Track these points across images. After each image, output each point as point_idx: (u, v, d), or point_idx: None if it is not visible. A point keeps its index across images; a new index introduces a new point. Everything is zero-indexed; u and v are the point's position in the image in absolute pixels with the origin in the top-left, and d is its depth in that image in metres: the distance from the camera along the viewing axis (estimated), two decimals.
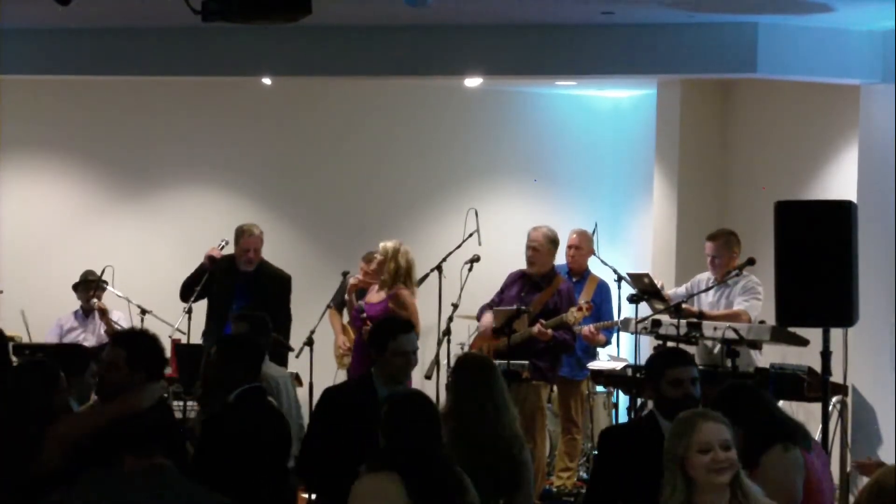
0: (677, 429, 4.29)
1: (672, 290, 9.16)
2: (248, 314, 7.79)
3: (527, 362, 8.68)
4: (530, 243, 9.13)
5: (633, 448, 5.41)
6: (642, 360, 9.28)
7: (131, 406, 5.10)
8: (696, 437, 4.23)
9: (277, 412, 6.12)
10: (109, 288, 10.03)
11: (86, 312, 10.11)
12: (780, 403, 8.71)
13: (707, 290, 8.85)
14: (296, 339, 9.12)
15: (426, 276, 9.50)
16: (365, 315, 8.69)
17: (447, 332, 9.09)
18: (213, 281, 9.47)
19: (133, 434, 4.62)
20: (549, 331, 8.78)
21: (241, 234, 9.45)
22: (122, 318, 10.09)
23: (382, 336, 6.22)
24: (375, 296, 8.84)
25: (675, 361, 5.60)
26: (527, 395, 8.82)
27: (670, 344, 8.50)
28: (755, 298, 8.65)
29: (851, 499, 8.15)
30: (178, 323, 9.52)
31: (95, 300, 10.00)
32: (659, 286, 8.90)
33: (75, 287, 10.12)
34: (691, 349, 8.60)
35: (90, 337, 10.04)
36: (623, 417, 9.97)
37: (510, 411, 5.92)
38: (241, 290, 9.38)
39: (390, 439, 4.75)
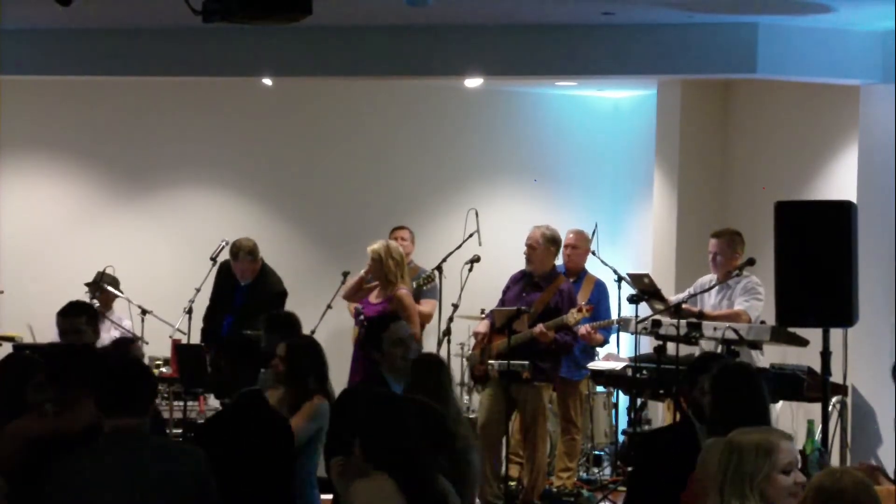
0: (757, 449, 4.14)
1: (675, 297, 9.14)
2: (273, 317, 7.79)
3: (527, 363, 8.67)
4: (527, 241, 9.14)
5: (671, 452, 5.43)
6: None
7: (62, 426, 5.12)
8: (780, 457, 4.12)
9: (279, 415, 6.14)
10: (109, 288, 10.03)
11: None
12: (780, 404, 8.76)
13: (709, 289, 8.84)
14: None
15: (427, 275, 9.51)
16: (363, 317, 8.69)
17: (447, 332, 9.11)
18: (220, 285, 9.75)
19: (103, 395, 4.66)
20: (551, 333, 8.77)
21: (232, 255, 9.64)
22: (125, 320, 10.09)
23: (376, 332, 6.31)
24: (374, 297, 8.84)
25: (707, 369, 5.58)
26: (527, 396, 8.83)
27: (670, 345, 8.52)
28: (755, 298, 8.65)
29: None
30: (179, 323, 9.56)
31: (96, 301, 10.00)
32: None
33: (87, 285, 10.13)
34: (694, 350, 8.61)
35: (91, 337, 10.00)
36: (623, 417, 9.98)
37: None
38: (238, 298, 9.57)
39: (370, 440, 4.77)
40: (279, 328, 7.41)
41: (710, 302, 8.90)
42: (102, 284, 10.01)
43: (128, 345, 6.92)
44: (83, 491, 4.52)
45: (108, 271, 10.09)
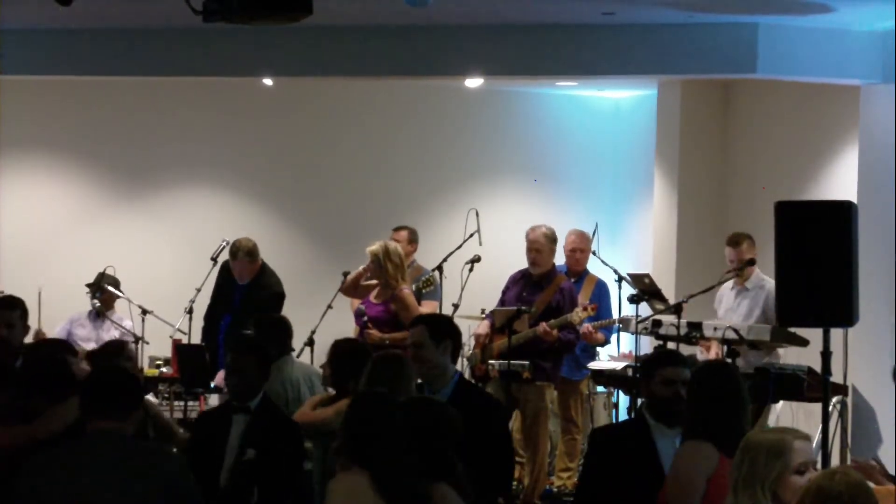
0: (770, 449, 4.10)
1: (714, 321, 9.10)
2: (261, 319, 7.82)
3: (527, 362, 8.67)
4: (532, 245, 9.12)
5: (623, 448, 5.44)
6: None
7: (39, 432, 5.14)
8: (793, 457, 4.06)
9: (293, 422, 6.17)
10: (109, 288, 10.03)
11: (97, 313, 10.11)
12: (780, 404, 8.76)
13: (718, 284, 8.82)
14: (296, 339, 9.12)
15: (426, 279, 9.50)
16: (366, 318, 8.68)
17: None
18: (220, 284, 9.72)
19: (93, 397, 4.68)
20: (555, 332, 8.76)
21: (231, 255, 9.59)
22: (125, 320, 10.08)
23: None
24: (374, 297, 8.84)
25: (667, 361, 5.62)
26: (529, 395, 8.82)
27: (670, 345, 8.52)
28: None
29: None
30: (179, 323, 9.55)
31: (96, 301, 10.00)
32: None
33: (88, 286, 10.12)
34: (694, 350, 8.61)
35: (91, 337, 10.02)
36: (623, 417, 9.98)
37: None
38: (237, 299, 9.55)
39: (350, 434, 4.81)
40: (268, 330, 7.41)
41: (725, 306, 8.94)
42: (104, 285, 10.01)
43: (121, 347, 6.90)
44: (57, 486, 4.55)
45: (109, 271, 10.08)
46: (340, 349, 6.56)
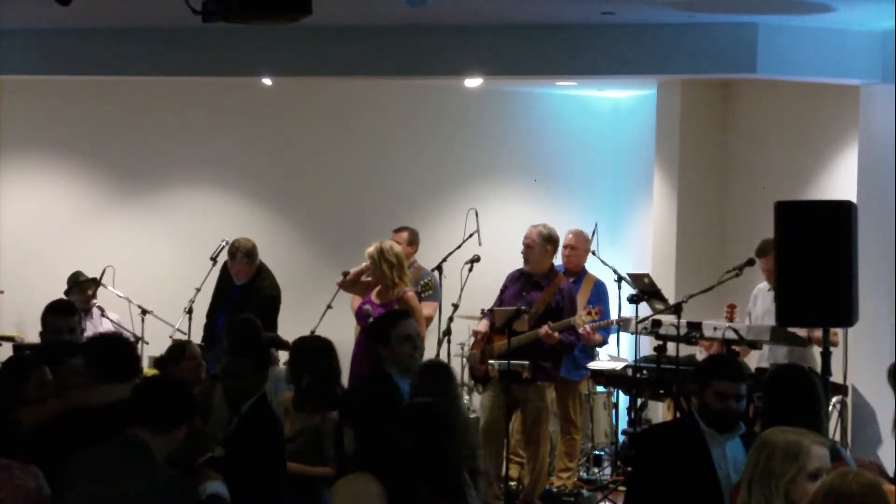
0: (787, 450, 4.09)
1: (746, 321, 9.06)
2: (238, 320, 7.81)
3: (527, 362, 8.65)
4: (524, 240, 9.11)
5: (675, 451, 5.40)
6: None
7: (73, 404, 5.17)
8: (809, 462, 4.05)
9: (276, 425, 6.14)
10: (110, 287, 10.03)
11: (84, 312, 10.10)
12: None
13: (719, 284, 8.84)
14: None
15: (425, 283, 9.50)
16: (371, 319, 8.68)
17: (447, 332, 9.10)
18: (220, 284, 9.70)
19: (136, 404, 4.67)
20: (557, 334, 8.73)
21: (230, 255, 9.57)
22: (125, 321, 10.08)
23: (384, 327, 6.30)
24: (376, 297, 8.84)
25: (723, 374, 5.50)
26: (528, 395, 8.81)
27: (670, 345, 8.51)
28: None
29: None
30: (179, 323, 9.55)
31: (95, 301, 9.99)
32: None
33: (67, 293, 10.06)
34: (694, 350, 8.60)
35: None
36: (623, 417, 9.98)
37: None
38: (233, 300, 9.53)
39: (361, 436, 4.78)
40: (237, 333, 7.39)
41: (763, 307, 8.94)
42: (101, 282, 10.01)
43: (183, 348, 6.99)
44: (84, 485, 4.55)
45: (108, 271, 10.08)
46: (297, 345, 6.55)
